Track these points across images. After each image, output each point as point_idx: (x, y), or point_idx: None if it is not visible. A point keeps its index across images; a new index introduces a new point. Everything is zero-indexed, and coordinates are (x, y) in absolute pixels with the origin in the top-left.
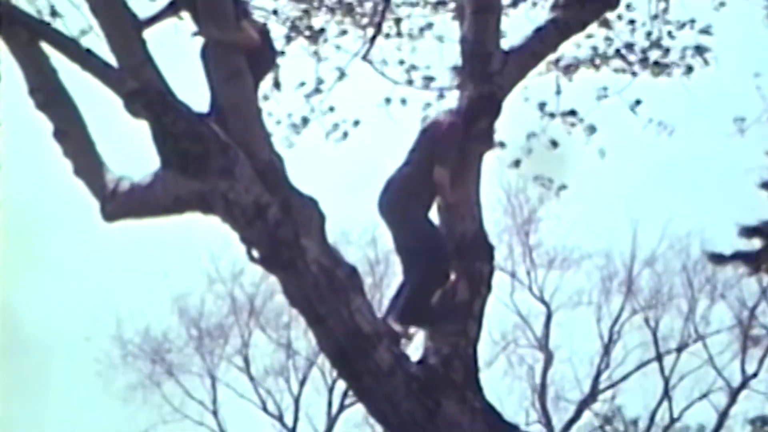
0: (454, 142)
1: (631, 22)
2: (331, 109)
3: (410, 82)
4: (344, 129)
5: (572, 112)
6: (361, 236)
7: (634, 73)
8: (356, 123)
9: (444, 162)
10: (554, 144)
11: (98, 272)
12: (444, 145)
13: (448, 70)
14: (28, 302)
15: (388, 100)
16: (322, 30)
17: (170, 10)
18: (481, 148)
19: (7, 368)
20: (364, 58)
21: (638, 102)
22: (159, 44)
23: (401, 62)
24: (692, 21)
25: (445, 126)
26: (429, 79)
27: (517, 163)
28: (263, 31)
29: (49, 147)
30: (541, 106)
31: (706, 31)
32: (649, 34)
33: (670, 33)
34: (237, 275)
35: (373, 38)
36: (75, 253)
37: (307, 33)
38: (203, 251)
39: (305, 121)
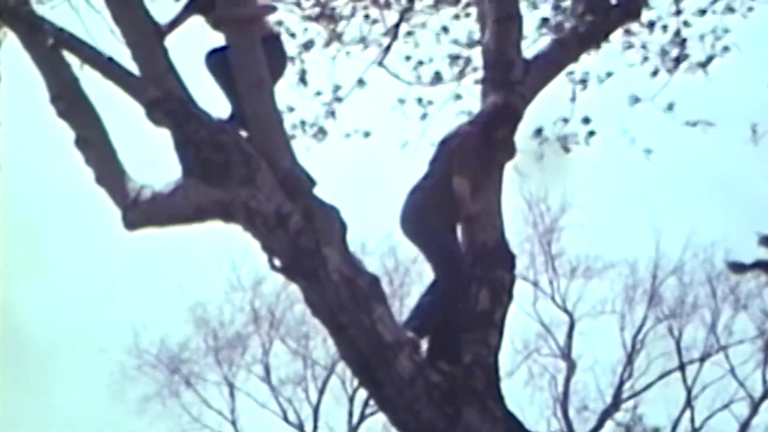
0: (472, 152)
1: (651, 24)
2: (332, 113)
3: (419, 79)
4: (355, 138)
5: (586, 120)
6: (379, 246)
7: (655, 71)
8: (366, 134)
9: (463, 172)
10: (566, 150)
11: (115, 281)
12: (463, 155)
13: (446, 59)
14: (44, 313)
15: (401, 101)
16: (340, 35)
17: (187, 12)
18: (501, 158)
19: (19, 380)
20: (380, 64)
21: (671, 106)
22: (179, 52)
23: (407, 58)
24: (714, 2)
25: (464, 136)
26: (438, 77)
27: (539, 132)
28: (275, 36)
29: (65, 152)
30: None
31: (730, 8)
32: (665, 27)
33: (686, 22)
34: (257, 284)
35: (389, 46)
36: (91, 260)
37: (328, 23)
38: (223, 260)
39: (322, 131)
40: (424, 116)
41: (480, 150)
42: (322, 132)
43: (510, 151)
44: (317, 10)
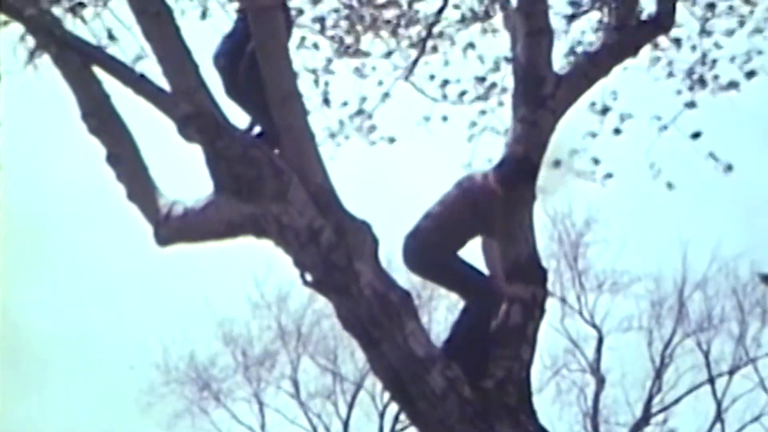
0: (493, 210)
1: (677, 41)
2: (373, 127)
3: (445, 97)
4: (387, 155)
5: (617, 131)
6: None
7: (692, 104)
8: (391, 140)
9: (489, 232)
10: (596, 162)
11: (143, 298)
12: (485, 215)
13: (473, 80)
14: (70, 329)
15: (427, 119)
16: (366, 53)
17: None
18: (526, 200)
19: (49, 396)
20: (407, 78)
21: (697, 135)
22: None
23: (432, 77)
24: (742, 23)
25: (484, 195)
26: (463, 94)
27: (557, 163)
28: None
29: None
30: (592, 105)
31: (758, 30)
32: (694, 47)
33: (716, 44)
34: (282, 300)
35: (416, 60)
36: (119, 276)
37: (351, 51)
38: (248, 276)
39: (343, 136)
40: (471, 138)
41: (501, 206)
42: (342, 135)
43: (532, 197)
44: (340, 30)
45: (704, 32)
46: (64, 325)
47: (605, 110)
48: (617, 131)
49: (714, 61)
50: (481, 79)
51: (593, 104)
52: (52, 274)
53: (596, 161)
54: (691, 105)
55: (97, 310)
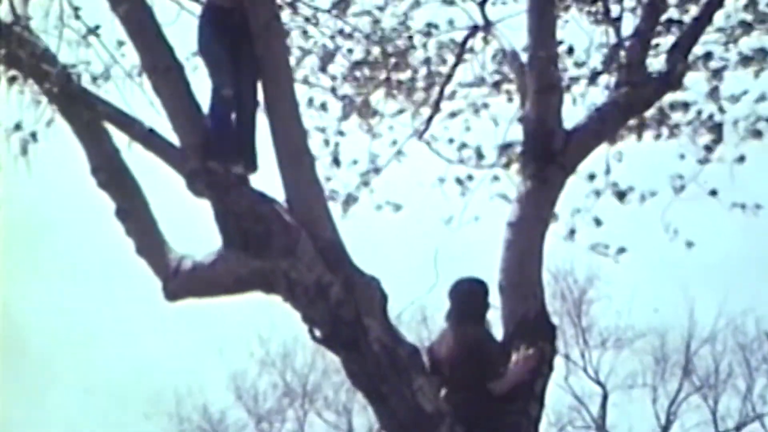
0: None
1: (685, 105)
2: (366, 183)
3: (462, 161)
4: (387, 211)
5: (621, 195)
6: (413, 316)
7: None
8: (397, 208)
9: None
10: (598, 222)
11: (158, 348)
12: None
13: (495, 149)
14: (70, 329)
15: (441, 180)
16: (375, 112)
17: None
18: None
19: (50, 396)
20: (420, 137)
21: (714, 192)
22: None
23: (451, 141)
24: (745, 92)
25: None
26: (480, 158)
27: (572, 233)
28: None
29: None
30: (591, 177)
31: (763, 98)
32: (699, 113)
33: (721, 108)
34: (287, 357)
35: (430, 119)
36: (133, 323)
37: (363, 111)
38: (253, 333)
39: (352, 198)
40: (463, 194)
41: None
42: (353, 200)
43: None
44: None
45: (712, 93)
46: (64, 326)
47: (607, 171)
48: (622, 195)
49: (720, 125)
50: (506, 146)
51: (616, 185)
52: (52, 274)
53: (598, 222)
54: (682, 157)
55: (97, 310)
